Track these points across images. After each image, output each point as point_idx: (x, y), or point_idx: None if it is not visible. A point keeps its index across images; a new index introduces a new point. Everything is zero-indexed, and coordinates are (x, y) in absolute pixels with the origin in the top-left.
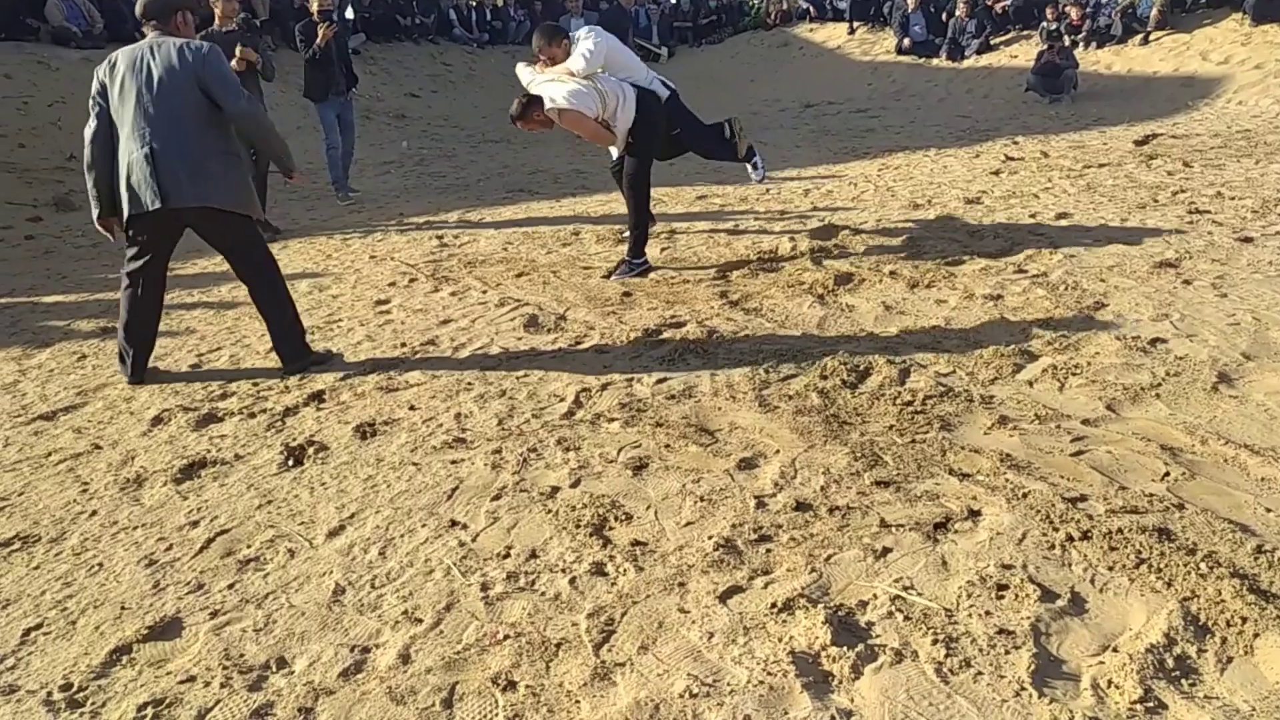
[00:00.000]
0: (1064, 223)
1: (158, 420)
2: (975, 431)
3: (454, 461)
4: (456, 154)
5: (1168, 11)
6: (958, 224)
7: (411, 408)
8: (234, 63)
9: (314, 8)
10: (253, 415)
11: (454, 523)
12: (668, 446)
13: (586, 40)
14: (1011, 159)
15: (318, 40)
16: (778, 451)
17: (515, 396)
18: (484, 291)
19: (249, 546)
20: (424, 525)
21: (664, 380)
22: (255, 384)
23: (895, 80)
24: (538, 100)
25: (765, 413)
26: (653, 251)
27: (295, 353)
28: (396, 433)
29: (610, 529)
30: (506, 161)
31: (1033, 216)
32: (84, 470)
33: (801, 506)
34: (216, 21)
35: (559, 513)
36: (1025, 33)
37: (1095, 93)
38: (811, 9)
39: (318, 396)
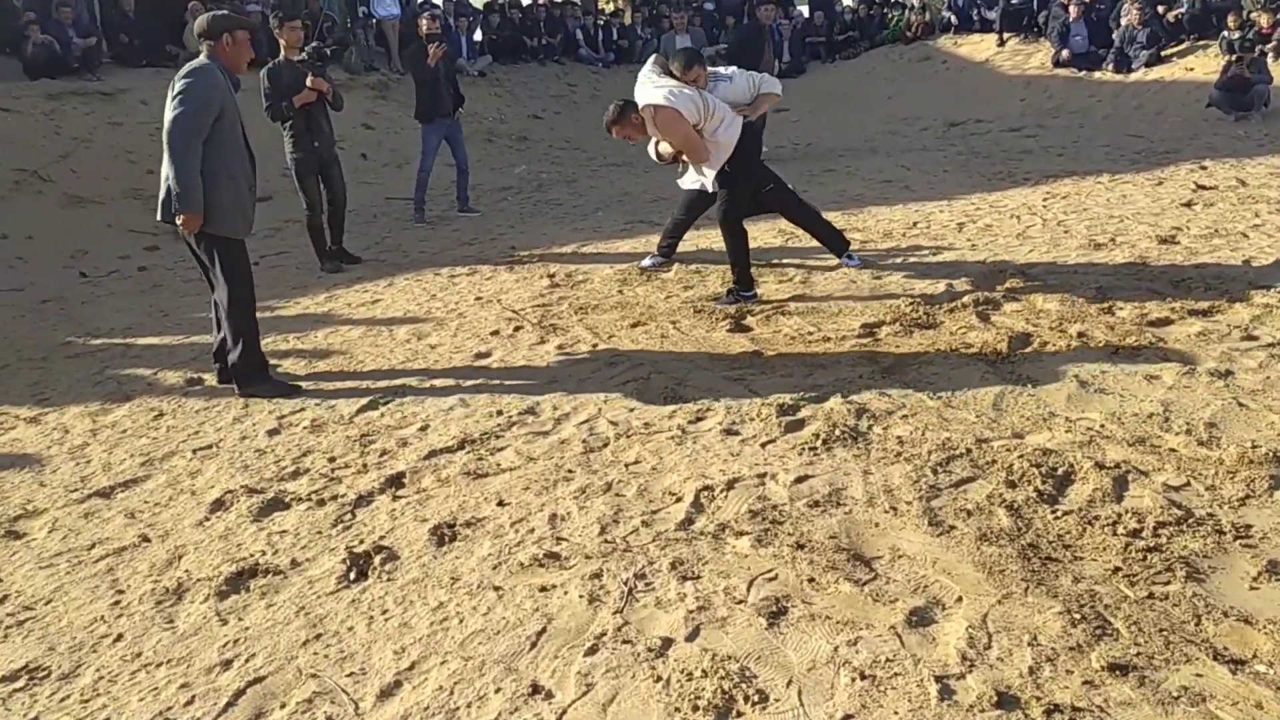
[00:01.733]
0: None
1: (218, 505)
2: (1237, 585)
3: (543, 589)
4: (577, 179)
5: None
6: (1154, 270)
7: (500, 503)
8: (304, 92)
9: (422, 30)
10: (322, 503)
11: (536, 688)
12: (812, 581)
13: (772, 83)
14: (1204, 188)
15: (429, 60)
16: (960, 599)
17: (623, 493)
18: (594, 346)
19: (283, 706)
20: (498, 689)
21: (804, 479)
22: (331, 460)
23: (1052, 95)
24: (634, 104)
25: (938, 535)
26: (782, 293)
27: (244, 377)
28: (479, 539)
29: (739, 716)
30: (628, 188)
31: (1246, 262)
32: (124, 572)
33: (1005, 701)
34: (283, 52)
35: (671, 682)
36: (1201, 43)
37: None
38: (955, 19)
39: (396, 481)
